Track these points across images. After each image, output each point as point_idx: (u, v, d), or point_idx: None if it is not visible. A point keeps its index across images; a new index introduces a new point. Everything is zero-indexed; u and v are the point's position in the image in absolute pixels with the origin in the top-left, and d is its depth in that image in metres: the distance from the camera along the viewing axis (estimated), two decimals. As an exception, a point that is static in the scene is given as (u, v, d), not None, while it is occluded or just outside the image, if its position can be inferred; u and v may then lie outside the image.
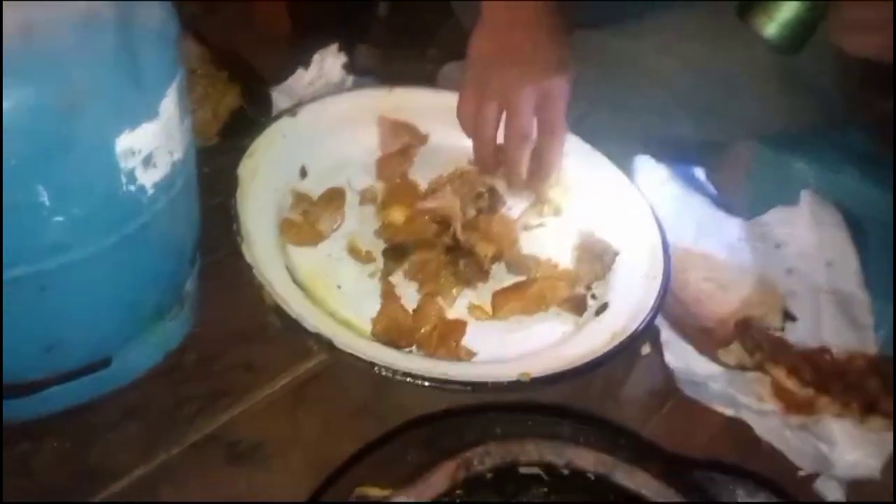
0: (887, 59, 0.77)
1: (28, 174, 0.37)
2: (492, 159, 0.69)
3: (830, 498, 0.52)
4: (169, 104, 0.42)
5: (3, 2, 0.35)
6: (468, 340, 0.58)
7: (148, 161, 0.42)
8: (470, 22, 1.02)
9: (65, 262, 0.40)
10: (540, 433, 0.32)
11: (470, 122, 0.68)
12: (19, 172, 0.36)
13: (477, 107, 0.67)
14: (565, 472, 0.31)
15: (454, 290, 0.60)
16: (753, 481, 0.36)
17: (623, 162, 0.76)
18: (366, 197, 0.68)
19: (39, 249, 0.39)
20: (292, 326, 0.52)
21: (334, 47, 0.77)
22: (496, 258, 0.64)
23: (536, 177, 0.69)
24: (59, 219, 0.39)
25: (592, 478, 0.31)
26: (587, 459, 0.32)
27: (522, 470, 0.31)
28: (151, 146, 0.41)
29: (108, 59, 0.38)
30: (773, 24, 0.68)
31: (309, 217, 0.63)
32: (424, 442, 0.33)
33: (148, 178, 0.42)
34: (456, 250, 0.62)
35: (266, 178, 0.64)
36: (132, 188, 0.41)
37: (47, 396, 0.47)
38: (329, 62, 0.77)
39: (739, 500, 0.35)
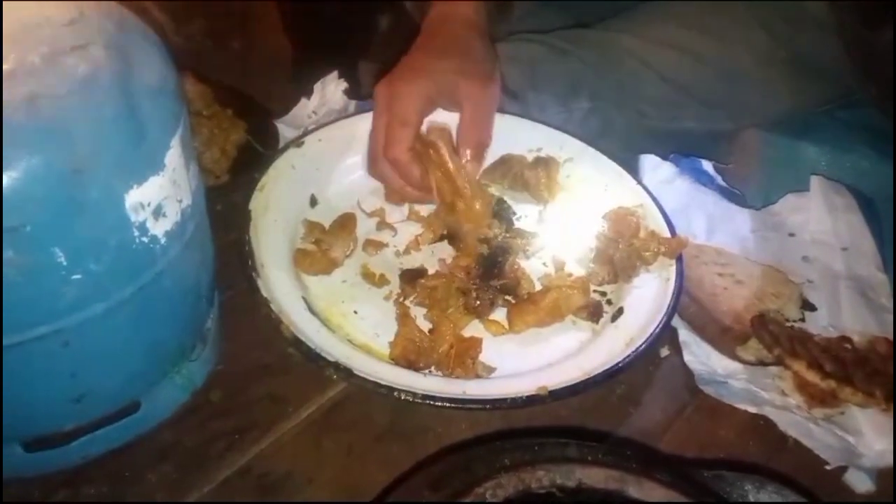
0: None
1: (43, 238, 0.38)
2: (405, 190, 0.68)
3: (860, 489, 0.52)
4: (173, 155, 0.43)
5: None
6: (486, 356, 0.58)
7: (158, 212, 0.43)
8: None
9: (85, 317, 0.42)
10: (548, 457, 0.33)
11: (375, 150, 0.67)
12: (35, 237, 0.38)
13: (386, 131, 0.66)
14: (577, 491, 0.32)
15: (463, 321, 0.61)
16: (761, 475, 0.36)
17: (629, 159, 0.76)
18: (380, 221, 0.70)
19: (60, 308, 0.40)
20: (311, 357, 0.53)
21: (334, 74, 0.78)
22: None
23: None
24: (77, 277, 0.40)
25: (604, 493, 0.32)
26: (597, 477, 0.32)
27: (536, 491, 0.31)
28: (160, 197, 0.43)
29: (111, 120, 0.39)
30: None
31: (321, 246, 0.64)
32: (434, 483, 0.33)
33: (159, 229, 0.44)
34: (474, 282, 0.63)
35: (277, 210, 0.65)
36: (145, 240, 0.43)
37: (81, 445, 0.49)
38: (330, 89, 0.78)
39: (749, 496, 0.35)
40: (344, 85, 0.79)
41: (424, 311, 0.61)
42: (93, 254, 0.40)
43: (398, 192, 0.69)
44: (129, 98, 0.40)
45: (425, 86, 0.66)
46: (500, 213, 0.70)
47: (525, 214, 0.72)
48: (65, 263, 0.39)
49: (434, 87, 0.66)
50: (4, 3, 0.40)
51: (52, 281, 0.39)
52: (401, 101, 0.65)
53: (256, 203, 0.64)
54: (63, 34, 0.40)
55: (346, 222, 0.67)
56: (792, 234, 0.72)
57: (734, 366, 0.59)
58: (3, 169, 0.36)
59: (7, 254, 0.37)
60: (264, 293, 0.57)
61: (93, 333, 0.43)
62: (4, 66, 0.37)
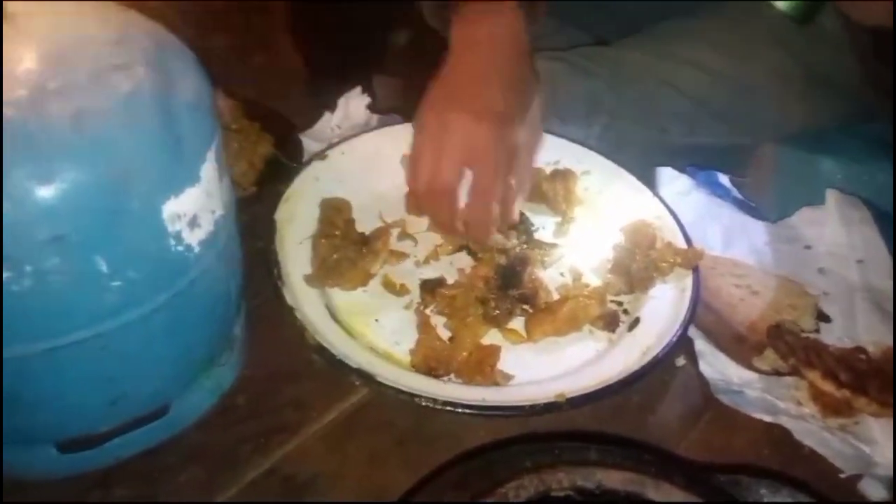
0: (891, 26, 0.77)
1: (87, 246, 0.40)
2: (455, 224, 0.63)
3: (875, 498, 0.53)
4: (209, 167, 0.45)
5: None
6: (504, 364, 0.59)
7: (193, 222, 0.45)
8: None
9: (123, 322, 0.43)
10: (568, 460, 0.34)
11: (426, 182, 0.61)
12: (79, 245, 0.40)
13: (436, 165, 0.61)
14: (597, 492, 0.33)
15: (481, 329, 0.62)
16: (776, 479, 0.37)
17: (647, 174, 0.77)
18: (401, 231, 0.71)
19: (100, 313, 0.42)
20: (335, 364, 0.55)
21: (357, 89, 0.81)
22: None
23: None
24: (117, 283, 0.42)
25: (623, 495, 0.33)
26: (616, 479, 0.33)
27: (555, 493, 0.33)
28: (195, 208, 0.45)
29: (152, 135, 0.41)
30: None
31: (358, 261, 0.65)
32: (457, 484, 0.35)
33: (194, 238, 0.45)
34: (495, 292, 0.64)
35: (302, 221, 0.67)
36: (180, 248, 0.45)
37: (114, 446, 0.51)
38: (354, 104, 0.80)
39: (764, 500, 0.36)
40: (367, 99, 0.81)
41: (444, 319, 0.63)
42: (132, 261, 0.42)
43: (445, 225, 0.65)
44: (168, 114, 0.42)
45: (493, 130, 0.61)
46: (519, 224, 0.71)
47: (543, 226, 0.74)
48: (106, 271, 0.41)
49: (501, 132, 0.61)
50: (53, 22, 0.43)
51: (93, 287, 0.41)
52: (491, 146, 0.60)
53: (282, 214, 0.67)
54: (107, 53, 0.42)
55: (380, 235, 0.68)
56: (808, 247, 0.73)
57: (750, 375, 0.60)
58: (52, 180, 0.38)
59: (53, 261, 0.39)
60: (290, 301, 0.59)
61: (130, 338, 0.45)
62: (52, 84, 0.40)
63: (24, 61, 0.40)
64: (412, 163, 0.63)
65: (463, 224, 0.63)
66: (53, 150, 0.38)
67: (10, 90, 0.38)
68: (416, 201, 0.66)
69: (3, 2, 0.41)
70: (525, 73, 0.66)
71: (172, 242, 0.44)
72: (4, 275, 0.38)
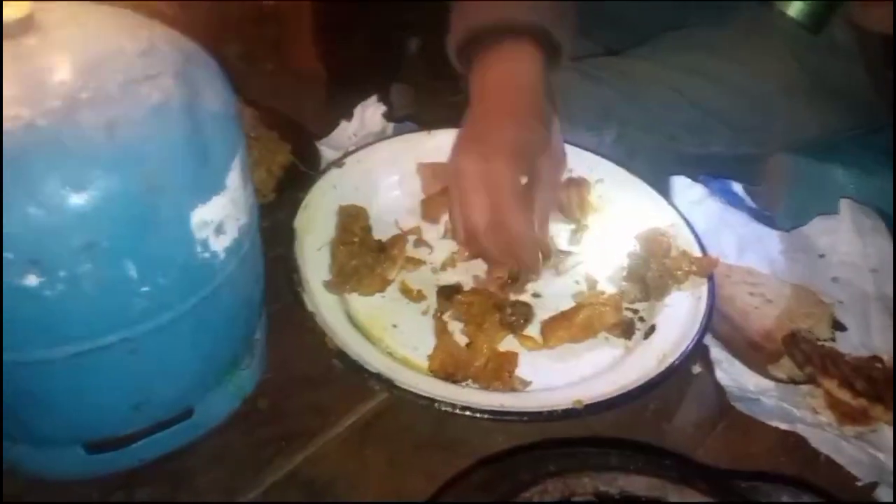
0: None
1: (118, 252, 0.41)
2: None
3: (892, 506, 0.53)
4: (234, 176, 0.46)
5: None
6: (521, 370, 0.60)
7: (219, 229, 0.46)
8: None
9: (151, 327, 0.44)
10: (591, 465, 0.35)
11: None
12: (111, 251, 0.40)
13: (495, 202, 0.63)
14: (618, 498, 0.33)
15: (498, 335, 0.63)
16: (796, 486, 0.37)
17: (659, 182, 0.77)
18: (417, 238, 0.72)
19: (129, 317, 0.43)
20: (355, 369, 0.56)
21: (374, 98, 0.82)
22: None
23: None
24: (146, 289, 0.43)
25: (644, 501, 0.33)
26: (639, 485, 0.34)
27: (577, 499, 0.33)
28: (221, 216, 0.46)
29: (181, 144, 0.42)
30: (797, 1, 0.72)
31: (376, 267, 0.66)
32: (482, 486, 0.35)
33: (219, 245, 0.46)
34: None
35: (320, 228, 0.68)
36: (207, 255, 0.45)
37: (137, 449, 0.51)
38: (370, 112, 0.81)
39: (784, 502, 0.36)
40: (383, 108, 0.82)
41: (461, 325, 0.64)
42: (161, 268, 0.43)
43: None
44: (196, 124, 0.43)
45: (520, 163, 0.65)
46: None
47: (557, 234, 0.74)
48: (136, 277, 0.42)
49: (525, 164, 0.66)
50: (83, 35, 0.44)
51: (123, 293, 0.42)
52: (505, 180, 0.63)
53: (300, 221, 0.68)
54: (136, 64, 0.43)
55: (397, 242, 0.69)
56: (822, 256, 0.73)
57: (766, 383, 0.60)
58: (86, 188, 0.39)
59: (86, 267, 0.40)
60: (310, 307, 0.60)
61: (157, 343, 0.45)
62: (85, 95, 0.40)
63: (57, 72, 0.41)
64: (461, 210, 0.65)
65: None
66: (87, 159, 0.39)
67: (45, 100, 0.39)
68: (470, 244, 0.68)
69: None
70: (540, 111, 0.68)
71: (199, 249, 0.45)
72: (38, 280, 0.39)
